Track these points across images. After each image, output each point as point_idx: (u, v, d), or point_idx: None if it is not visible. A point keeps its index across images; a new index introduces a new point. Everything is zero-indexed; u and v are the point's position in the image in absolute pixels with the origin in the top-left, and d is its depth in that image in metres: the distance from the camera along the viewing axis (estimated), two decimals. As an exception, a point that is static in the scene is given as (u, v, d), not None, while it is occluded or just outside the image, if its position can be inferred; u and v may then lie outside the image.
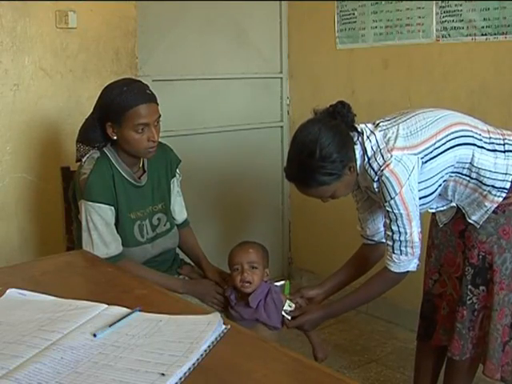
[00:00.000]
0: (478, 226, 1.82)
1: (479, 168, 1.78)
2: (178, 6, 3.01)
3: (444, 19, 2.69)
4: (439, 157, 1.75)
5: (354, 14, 3.09)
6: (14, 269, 1.65)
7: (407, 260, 1.76)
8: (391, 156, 1.70)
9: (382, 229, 1.91)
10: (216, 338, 1.13)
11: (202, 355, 1.06)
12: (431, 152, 1.74)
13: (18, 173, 2.47)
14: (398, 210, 1.71)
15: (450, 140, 1.75)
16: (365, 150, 1.75)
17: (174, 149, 2.13)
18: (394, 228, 1.73)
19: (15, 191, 2.47)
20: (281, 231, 3.66)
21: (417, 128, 1.76)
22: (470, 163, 1.78)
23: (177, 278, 2.04)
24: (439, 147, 1.74)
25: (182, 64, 3.10)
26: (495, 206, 1.79)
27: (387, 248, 1.78)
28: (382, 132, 1.76)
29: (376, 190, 1.75)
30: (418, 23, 2.80)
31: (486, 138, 1.81)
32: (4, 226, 2.46)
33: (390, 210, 1.72)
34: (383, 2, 2.94)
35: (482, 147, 1.79)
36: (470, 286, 1.84)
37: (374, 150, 1.74)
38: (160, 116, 1.88)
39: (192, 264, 2.17)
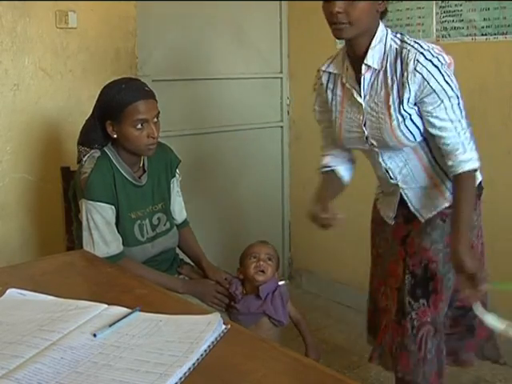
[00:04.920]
0: (423, 220, 1.69)
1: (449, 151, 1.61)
2: (178, 5, 3.01)
3: (444, 19, 2.69)
4: None
5: (354, 13, 3.09)
6: (14, 269, 1.65)
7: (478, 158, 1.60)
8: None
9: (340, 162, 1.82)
10: (216, 338, 1.13)
11: (202, 355, 1.07)
12: None
13: (18, 173, 2.47)
14: (453, 90, 1.55)
15: None
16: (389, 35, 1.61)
17: (174, 149, 2.13)
18: (455, 124, 1.57)
19: (15, 191, 2.47)
20: (281, 231, 3.66)
21: None
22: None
23: (177, 278, 2.04)
24: None
25: (182, 64, 3.10)
26: (446, 205, 1.67)
27: (464, 150, 1.57)
28: None
29: (399, 70, 1.56)
30: (417, 23, 2.80)
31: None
32: (4, 226, 2.46)
33: (442, 96, 1.54)
34: (383, 2, 2.94)
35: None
36: (408, 298, 1.66)
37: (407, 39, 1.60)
38: (159, 113, 1.90)
39: (192, 264, 2.17)
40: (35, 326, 1.18)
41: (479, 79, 2.60)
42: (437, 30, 2.72)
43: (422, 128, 1.61)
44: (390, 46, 1.59)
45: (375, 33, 1.58)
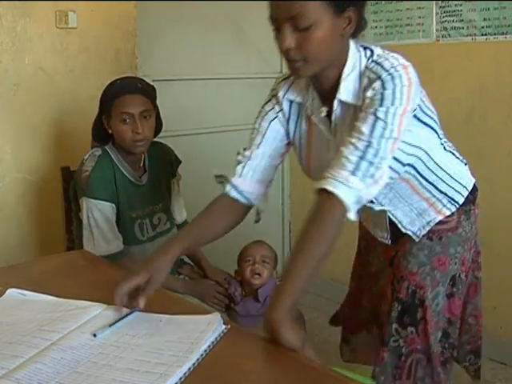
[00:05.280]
0: (417, 239, 1.46)
1: (438, 166, 1.42)
2: (178, 5, 3.00)
3: (444, 19, 2.69)
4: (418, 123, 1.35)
5: (354, 14, 3.09)
6: (13, 269, 1.65)
7: (359, 194, 1.19)
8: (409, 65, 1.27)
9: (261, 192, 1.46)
10: (216, 338, 1.13)
11: (202, 355, 1.07)
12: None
13: (17, 173, 2.46)
14: (393, 121, 1.21)
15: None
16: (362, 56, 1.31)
17: (173, 149, 2.14)
18: (374, 142, 1.20)
19: (15, 191, 2.47)
20: (281, 231, 3.66)
21: None
22: (428, 155, 1.38)
23: (177, 278, 2.04)
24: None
25: (181, 64, 3.10)
26: (439, 219, 1.45)
27: (343, 164, 1.20)
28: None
29: (368, 94, 1.24)
30: (418, 23, 2.80)
31: (442, 134, 1.45)
32: (4, 225, 2.45)
33: (380, 116, 1.21)
34: (383, 2, 2.94)
35: (441, 144, 1.45)
36: (395, 325, 1.46)
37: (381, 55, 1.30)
38: (149, 110, 1.91)
39: (192, 264, 2.17)
40: (35, 326, 1.18)
41: (479, 79, 2.60)
42: (437, 30, 2.72)
43: (408, 152, 1.33)
44: (365, 73, 1.29)
45: (346, 60, 1.30)
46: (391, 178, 1.31)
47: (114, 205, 1.89)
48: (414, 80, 1.25)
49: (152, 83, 2.02)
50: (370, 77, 1.26)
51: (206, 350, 1.08)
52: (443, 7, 2.68)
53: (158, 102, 2.01)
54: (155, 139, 2.06)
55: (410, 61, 1.32)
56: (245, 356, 1.08)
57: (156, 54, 2.96)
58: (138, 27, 2.75)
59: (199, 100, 3.18)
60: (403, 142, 1.28)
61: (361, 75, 1.29)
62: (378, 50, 1.32)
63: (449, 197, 1.45)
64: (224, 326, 1.17)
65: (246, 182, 1.45)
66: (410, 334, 1.46)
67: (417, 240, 1.46)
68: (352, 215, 1.19)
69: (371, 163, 1.20)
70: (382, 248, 1.57)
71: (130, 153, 1.93)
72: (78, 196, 1.92)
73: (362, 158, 1.20)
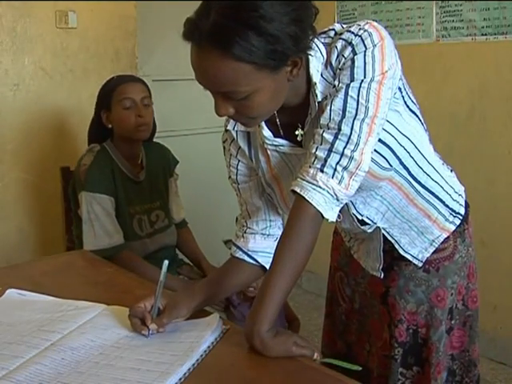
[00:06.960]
0: (420, 264, 1.27)
1: (430, 164, 1.22)
2: (178, 5, 3.00)
3: (444, 19, 2.69)
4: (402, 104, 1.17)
5: (353, 14, 3.09)
6: (13, 269, 1.65)
7: (332, 193, 1.05)
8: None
9: (272, 243, 1.32)
10: (216, 339, 1.13)
11: (202, 355, 1.07)
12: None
13: (17, 172, 2.47)
14: (367, 98, 1.04)
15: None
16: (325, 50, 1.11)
17: (173, 149, 2.15)
18: (344, 129, 1.04)
19: (15, 191, 2.47)
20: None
21: None
22: (418, 151, 1.18)
23: (176, 278, 2.04)
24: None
25: (182, 64, 3.08)
26: (446, 236, 1.27)
27: (312, 161, 1.06)
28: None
29: (338, 64, 1.07)
30: (418, 23, 2.80)
31: (428, 135, 1.25)
32: (4, 225, 2.46)
33: (351, 94, 1.04)
34: (383, 2, 2.94)
35: (429, 141, 1.25)
36: (401, 369, 1.31)
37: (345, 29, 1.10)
38: (148, 99, 1.94)
39: (191, 264, 2.17)
40: (35, 326, 1.18)
41: (479, 79, 2.60)
42: (437, 30, 2.72)
43: (393, 147, 1.14)
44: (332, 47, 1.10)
45: (308, 72, 1.09)
46: (382, 168, 1.14)
47: (112, 198, 1.90)
48: (385, 34, 1.07)
49: (152, 83, 2.03)
50: (338, 46, 1.07)
51: (205, 351, 1.08)
52: (443, 7, 2.68)
53: (157, 101, 2.01)
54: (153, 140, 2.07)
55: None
56: (244, 356, 1.08)
57: (156, 54, 2.96)
58: (138, 27, 2.75)
59: (199, 100, 3.17)
60: (392, 125, 1.13)
61: (327, 56, 1.10)
62: (337, 26, 1.14)
63: (448, 207, 1.27)
64: (223, 327, 1.17)
65: (249, 241, 1.32)
66: (417, 374, 1.32)
67: (420, 265, 1.27)
68: (328, 216, 1.08)
69: (342, 154, 1.04)
70: (366, 282, 1.37)
71: (131, 144, 1.94)
72: (77, 191, 1.92)
73: (330, 150, 1.04)
